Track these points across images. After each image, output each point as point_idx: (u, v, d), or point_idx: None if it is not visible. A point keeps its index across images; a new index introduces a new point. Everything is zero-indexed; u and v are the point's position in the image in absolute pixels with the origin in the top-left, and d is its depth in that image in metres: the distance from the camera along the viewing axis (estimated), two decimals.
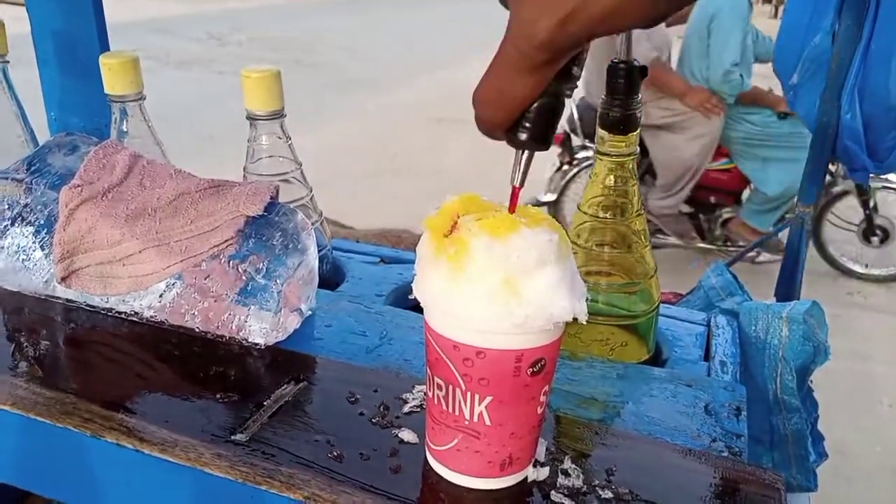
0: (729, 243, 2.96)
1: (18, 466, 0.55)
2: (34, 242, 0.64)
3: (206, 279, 0.59)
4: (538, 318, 0.38)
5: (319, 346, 0.61)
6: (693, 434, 0.51)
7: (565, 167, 3.00)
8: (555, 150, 3.02)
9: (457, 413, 0.41)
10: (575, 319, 0.38)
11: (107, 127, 0.73)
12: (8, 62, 0.78)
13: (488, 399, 0.40)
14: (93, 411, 0.51)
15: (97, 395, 0.53)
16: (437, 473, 0.44)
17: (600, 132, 0.58)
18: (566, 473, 0.46)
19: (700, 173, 2.87)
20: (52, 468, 0.54)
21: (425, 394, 0.45)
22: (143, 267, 0.60)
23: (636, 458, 0.48)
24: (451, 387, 0.41)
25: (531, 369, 0.39)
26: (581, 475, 0.45)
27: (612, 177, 0.59)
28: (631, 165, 0.59)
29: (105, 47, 0.87)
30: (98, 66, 0.69)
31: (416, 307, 0.42)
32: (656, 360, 0.65)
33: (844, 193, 2.89)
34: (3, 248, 0.65)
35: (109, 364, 0.58)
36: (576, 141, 2.96)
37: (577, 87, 0.35)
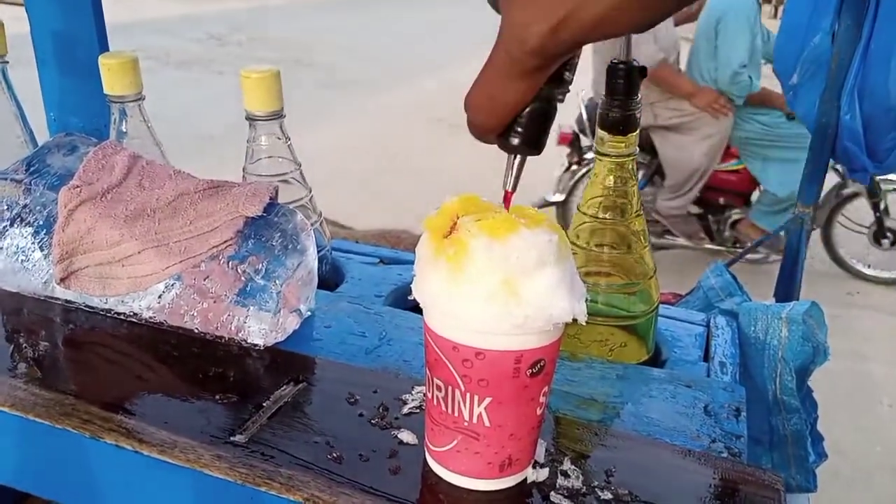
0: (738, 245, 2.95)
1: (17, 468, 0.55)
2: (33, 243, 0.64)
3: (205, 280, 0.59)
4: (537, 319, 0.37)
5: (319, 346, 0.61)
6: (692, 435, 0.51)
7: (574, 167, 2.99)
8: (563, 150, 3.02)
9: (456, 414, 0.41)
10: (574, 320, 0.38)
11: (106, 127, 0.73)
12: (7, 62, 0.78)
13: (488, 400, 0.40)
14: (92, 412, 0.51)
15: (96, 397, 0.53)
16: (436, 474, 0.44)
17: (600, 133, 0.58)
18: (565, 474, 0.46)
19: (709, 174, 2.86)
20: (51, 470, 0.53)
21: (425, 395, 0.45)
22: (143, 268, 0.60)
23: (635, 458, 0.48)
24: (450, 388, 0.41)
25: (530, 370, 0.39)
26: (580, 476, 0.45)
27: (611, 177, 0.59)
28: (630, 166, 0.59)
29: (104, 48, 0.87)
30: (97, 66, 0.69)
31: (416, 308, 0.42)
32: (656, 360, 0.65)
33: (855, 195, 2.87)
34: (2, 248, 0.65)
35: (108, 365, 0.58)
36: (584, 141, 2.95)
37: (569, 91, 0.35)
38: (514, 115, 0.35)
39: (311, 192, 0.72)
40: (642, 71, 0.56)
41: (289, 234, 0.60)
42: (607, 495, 0.44)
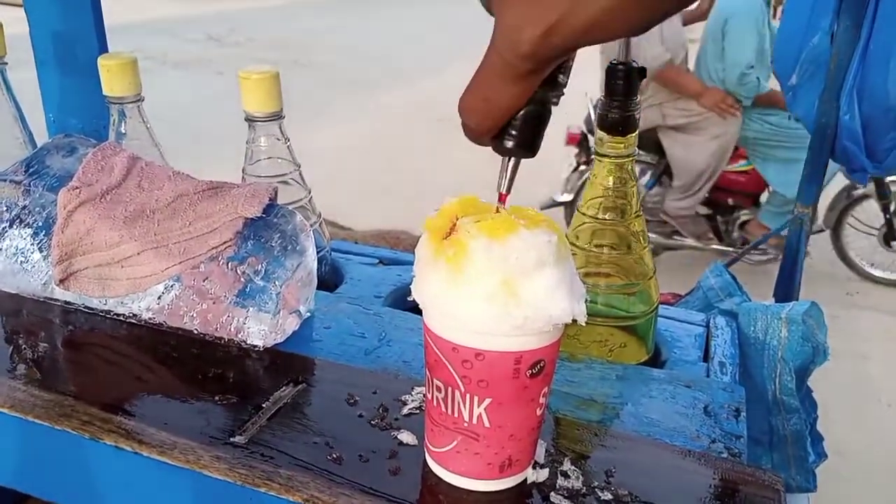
0: (747, 246, 2.94)
1: (17, 469, 0.55)
2: (32, 244, 0.64)
3: (204, 281, 0.59)
4: (537, 320, 0.37)
5: (318, 347, 0.61)
6: (692, 435, 0.51)
7: (582, 167, 2.99)
8: (572, 150, 3.02)
9: (456, 415, 0.41)
10: (574, 321, 0.38)
11: (105, 128, 0.73)
12: (6, 63, 0.78)
13: (487, 401, 0.40)
14: (91, 414, 0.51)
15: (96, 398, 0.52)
16: (436, 475, 0.44)
17: (599, 133, 0.58)
18: (565, 475, 0.46)
19: (717, 175, 2.84)
20: (51, 471, 0.53)
21: (424, 395, 0.45)
22: (142, 269, 0.60)
23: (635, 459, 0.48)
24: (450, 388, 0.41)
25: (530, 371, 0.39)
26: (580, 477, 0.45)
27: (611, 178, 0.59)
28: (630, 167, 0.59)
29: (104, 48, 0.87)
30: (97, 67, 0.69)
31: (415, 309, 0.42)
32: (655, 361, 0.65)
33: (865, 197, 2.86)
34: (1, 250, 0.65)
35: (108, 366, 0.58)
36: (593, 141, 2.94)
37: (564, 94, 0.35)
38: (507, 118, 0.35)
39: (310, 192, 0.72)
40: (641, 72, 0.56)
41: (288, 235, 0.60)
42: (607, 496, 0.44)
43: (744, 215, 2.98)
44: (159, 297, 0.61)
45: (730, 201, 2.97)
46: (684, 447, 0.49)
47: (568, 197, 3.00)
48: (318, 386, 0.55)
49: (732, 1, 2.76)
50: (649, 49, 2.62)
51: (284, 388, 0.54)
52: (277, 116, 0.67)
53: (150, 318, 0.61)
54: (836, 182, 2.76)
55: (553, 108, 0.36)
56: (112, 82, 0.69)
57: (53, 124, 0.91)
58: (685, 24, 2.93)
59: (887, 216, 2.84)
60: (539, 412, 0.42)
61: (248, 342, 0.59)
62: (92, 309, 0.63)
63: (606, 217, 0.59)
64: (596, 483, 0.45)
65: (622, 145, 0.57)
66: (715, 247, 2.97)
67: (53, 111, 0.91)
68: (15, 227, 0.64)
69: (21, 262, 0.64)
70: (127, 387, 0.54)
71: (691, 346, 0.67)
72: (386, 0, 10.05)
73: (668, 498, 0.44)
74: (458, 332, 0.39)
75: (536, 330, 0.38)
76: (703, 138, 2.79)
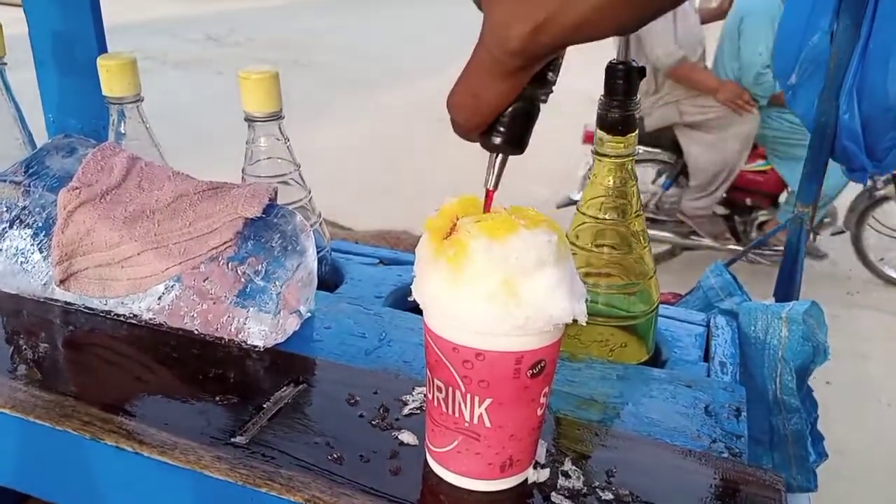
0: (765, 247, 2.89)
1: (17, 469, 0.55)
2: (32, 245, 0.64)
3: (204, 281, 0.59)
4: (538, 320, 0.37)
5: (319, 347, 0.61)
6: (693, 435, 0.51)
7: None
8: (588, 148, 3.00)
9: (457, 415, 0.41)
10: (574, 321, 0.38)
11: (105, 129, 0.72)
12: (6, 64, 0.78)
13: (488, 401, 0.40)
14: (92, 414, 0.51)
15: (96, 398, 0.52)
16: (437, 475, 0.44)
17: (599, 133, 0.58)
18: (566, 475, 0.46)
19: (735, 174, 2.82)
20: (52, 471, 0.53)
21: (425, 396, 0.45)
22: (142, 269, 0.60)
23: (636, 459, 0.48)
24: (450, 389, 0.41)
25: (531, 371, 0.39)
26: (581, 476, 0.45)
27: (611, 178, 0.59)
28: (630, 166, 0.59)
29: (103, 49, 0.87)
30: (96, 67, 0.69)
31: (416, 309, 0.42)
32: (656, 360, 0.65)
33: (885, 199, 2.83)
34: (1, 250, 0.65)
35: (108, 366, 0.58)
36: None
37: (553, 91, 0.35)
38: (496, 115, 0.35)
39: (310, 193, 0.72)
40: (641, 71, 0.56)
41: (288, 236, 0.60)
42: (608, 496, 0.44)
43: (762, 216, 2.94)
44: (160, 298, 0.61)
45: (748, 201, 2.93)
46: (685, 447, 0.49)
47: None
48: (318, 386, 0.55)
49: (749, 0, 2.74)
50: (661, 46, 2.61)
51: (285, 388, 0.54)
52: (277, 116, 0.67)
53: (150, 319, 0.61)
54: (856, 183, 2.74)
55: (550, 107, 0.36)
56: (111, 82, 0.69)
57: (53, 125, 0.91)
58: (703, 22, 2.91)
59: None
60: (540, 412, 0.42)
61: (249, 342, 0.59)
62: (92, 309, 0.63)
63: (607, 217, 0.59)
64: (597, 483, 0.45)
65: (622, 145, 0.57)
66: (732, 247, 2.93)
67: (53, 112, 0.91)
68: (15, 227, 0.64)
69: (21, 262, 0.64)
70: (127, 387, 0.54)
71: (692, 346, 0.67)
72: (386, 0, 10.05)
73: (669, 498, 0.44)
74: (459, 332, 0.39)
75: (537, 330, 0.38)
76: (721, 136, 2.76)
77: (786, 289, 1.23)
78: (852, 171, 1.22)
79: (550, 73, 0.34)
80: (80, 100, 0.88)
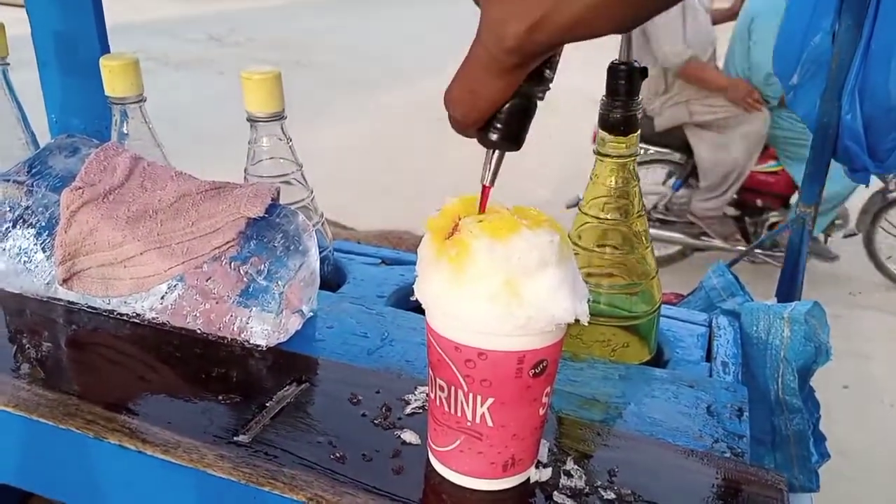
0: (776, 248, 2.86)
1: (21, 468, 0.55)
2: (35, 244, 0.64)
3: (207, 281, 0.59)
4: (540, 320, 0.38)
5: (321, 347, 0.61)
6: (695, 435, 0.51)
7: None
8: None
9: (459, 414, 0.41)
10: (577, 321, 0.39)
11: (107, 129, 0.73)
12: (8, 64, 0.78)
13: (490, 400, 0.40)
14: (95, 413, 0.51)
15: (99, 397, 0.53)
16: (439, 474, 0.44)
17: (601, 133, 0.58)
18: (568, 474, 0.46)
19: (745, 175, 2.79)
20: (55, 470, 0.54)
21: (427, 395, 0.45)
22: (145, 269, 0.60)
23: (638, 458, 0.48)
24: (453, 388, 0.41)
25: (533, 370, 0.40)
26: (583, 476, 0.46)
27: (613, 178, 0.59)
28: (632, 166, 0.59)
29: (105, 49, 0.87)
30: (98, 67, 0.69)
31: (418, 308, 0.43)
32: (658, 360, 0.65)
33: None
34: (4, 250, 0.65)
35: (111, 366, 0.58)
36: None
37: (550, 89, 0.35)
38: (492, 111, 0.35)
39: (312, 192, 0.72)
40: (643, 72, 0.56)
41: (291, 235, 0.60)
42: (610, 495, 0.44)
43: (773, 217, 2.91)
44: (162, 297, 0.61)
45: (759, 202, 2.90)
46: (687, 447, 0.49)
47: None
48: (321, 385, 0.55)
49: (760, 1, 2.73)
50: (670, 45, 2.60)
51: (288, 387, 0.54)
52: (279, 116, 0.68)
53: (153, 318, 0.61)
54: (869, 185, 2.72)
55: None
56: (114, 83, 0.69)
57: (56, 125, 0.91)
58: (716, 22, 2.88)
59: None
60: (542, 411, 0.42)
61: (252, 342, 0.59)
62: (95, 309, 0.64)
63: (609, 217, 0.59)
64: (599, 482, 0.45)
65: (624, 145, 0.57)
66: (742, 248, 2.90)
67: (56, 112, 0.91)
68: (18, 227, 0.65)
69: (24, 262, 0.65)
70: (130, 386, 0.54)
71: (694, 346, 0.67)
72: (386, 0, 10.06)
73: (671, 497, 0.44)
74: (461, 331, 0.39)
75: (539, 330, 0.38)
76: (732, 137, 2.74)
77: (788, 289, 1.23)
78: (854, 172, 1.22)
79: (547, 71, 0.34)
80: (83, 100, 0.88)
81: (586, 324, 0.39)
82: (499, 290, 0.37)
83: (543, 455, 0.47)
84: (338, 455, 0.47)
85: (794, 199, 2.91)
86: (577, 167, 3.09)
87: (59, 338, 0.61)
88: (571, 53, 0.34)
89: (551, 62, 0.34)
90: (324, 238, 0.73)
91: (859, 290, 2.97)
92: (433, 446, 0.45)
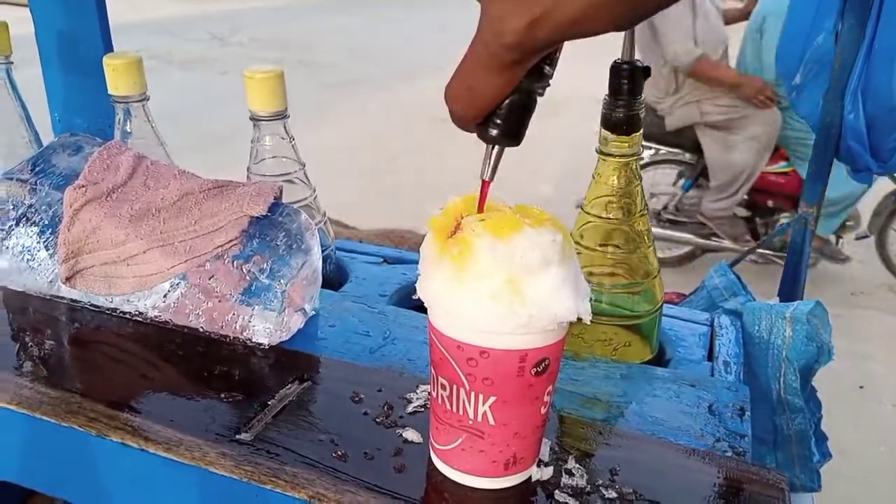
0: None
1: (23, 465, 0.55)
2: (39, 242, 0.64)
3: (210, 279, 0.59)
4: (542, 319, 0.38)
5: (323, 346, 0.61)
6: (697, 434, 0.51)
7: None
8: None
9: (461, 413, 0.41)
10: (579, 319, 0.39)
11: (110, 127, 0.73)
12: (12, 63, 0.78)
13: (492, 399, 0.40)
14: (98, 411, 0.51)
15: (102, 395, 0.53)
16: (441, 473, 0.45)
17: (604, 132, 0.58)
18: (570, 473, 0.46)
19: (756, 176, 2.78)
20: (57, 467, 0.54)
21: (429, 393, 0.45)
22: (148, 267, 0.60)
23: (640, 458, 0.48)
24: (455, 386, 0.41)
25: (535, 369, 0.40)
26: (585, 475, 0.46)
27: (615, 177, 0.59)
28: (634, 166, 0.59)
29: (108, 48, 0.87)
30: (102, 66, 0.69)
31: (420, 307, 0.43)
32: (660, 360, 0.65)
33: None
34: (7, 248, 0.65)
35: (114, 364, 0.58)
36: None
37: (550, 85, 0.35)
38: (492, 107, 0.35)
39: (314, 191, 0.72)
40: (646, 71, 0.56)
41: (293, 234, 0.60)
42: (612, 494, 0.44)
43: (783, 218, 2.88)
44: (165, 296, 0.61)
45: (769, 203, 2.88)
46: (689, 446, 0.49)
47: None
48: (323, 384, 0.55)
49: (772, 1, 2.72)
50: (679, 44, 2.59)
51: (290, 385, 0.54)
52: (282, 115, 0.68)
53: (155, 316, 0.62)
54: (881, 187, 2.70)
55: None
56: (117, 81, 0.69)
57: (59, 123, 0.91)
58: (728, 22, 2.87)
59: None
60: (543, 410, 0.42)
61: (254, 340, 0.59)
62: (98, 307, 0.64)
63: (611, 216, 0.59)
64: (600, 481, 0.45)
65: (626, 144, 0.57)
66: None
67: (59, 110, 0.91)
68: (21, 225, 0.65)
69: (27, 260, 0.65)
70: (133, 384, 0.55)
71: (695, 346, 0.67)
72: (387, 0, 10.06)
73: (673, 496, 0.44)
74: (463, 330, 0.39)
75: (541, 328, 0.38)
76: (742, 137, 2.73)
77: (790, 289, 1.23)
78: (857, 172, 1.22)
79: (547, 67, 0.35)
80: (86, 98, 0.88)
81: (588, 323, 0.39)
82: (501, 289, 0.37)
83: (545, 454, 0.47)
84: (339, 453, 0.47)
85: None
86: (579, 166, 3.09)
87: (62, 336, 0.61)
88: (574, 52, 0.34)
89: (551, 59, 0.34)
90: (326, 237, 0.73)
91: (861, 291, 2.96)
92: (435, 445, 0.45)
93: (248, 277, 0.59)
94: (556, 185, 3.53)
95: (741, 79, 2.70)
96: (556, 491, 0.44)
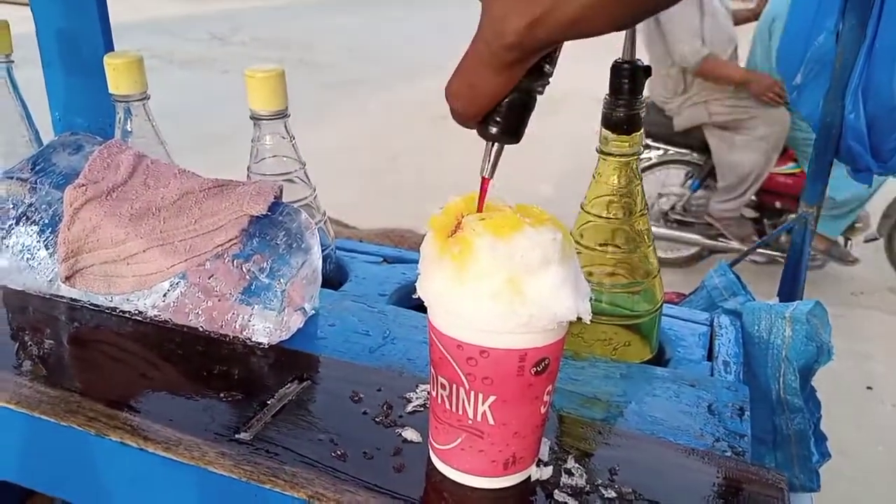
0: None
1: (22, 465, 0.55)
2: (39, 241, 0.64)
3: (209, 278, 0.59)
4: (542, 318, 0.38)
5: (323, 345, 0.61)
6: (696, 434, 0.51)
7: None
8: None
9: (460, 412, 0.41)
10: (579, 319, 0.39)
11: (111, 126, 0.73)
12: (13, 62, 0.78)
13: (492, 398, 0.40)
14: (97, 410, 0.51)
15: (101, 394, 0.53)
16: (440, 472, 0.45)
17: (604, 132, 0.58)
18: (569, 473, 0.46)
19: (764, 176, 2.77)
20: (57, 467, 0.54)
21: (429, 393, 0.45)
22: (147, 266, 0.60)
23: (639, 457, 0.48)
24: (454, 386, 0.41)
25: (535, 369, 0.40)
26: (584, 474, 0.46)
27: (616, 177, 0.59)
28: (635, 165, 0.59)
29: (109, 47, 0.87)
30: (102, 65, 0.69)
31: (420, 307, 0.43)
32: (659, 359, 0.65)
33: None
34: (7, 247, 0.65)
35: (113, 363, 0.58)
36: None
37: (549, 83, 0.36)
38: (492, 105, 0.35)
39: (314, 190, 0.72)
40: (647, 70, 0.56)
41: (293, 233, 0.60)
42: (611, 493, 0.44)
43: (791, 219, 2.90)
44: (165, 295, 0.61)
45: (777, 204, 2.87)
46: (688, 446, 0.49)
47: None
48: (322, 383, 0.55)
49: (781, 1, 2.71)
50: (687, 44, 2.59)
51: (289, 385, 0.54)
52: (282, 114, 0.68)
53: (155, 316, 0.62)
54: (891, 189, 2.69)
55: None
56: (118, 80, 0.69)
57: (59, 122, 0.91)
58: (738, 23, 2.86)
59: None
60: (543, 410, 0.42)
61: (253, 339, 0.59)
62: (97, 306, 0.64)
63: (611, 216, 0.59)
64: (600, 481, 0.45)
65: (627, 144, 0.57)
66: (760, 251, 2.86)
67: (59, 109, 0.91)
68: (21, 224, 0.65)
69: (27, 259, 0.65)
70: (132, 383, 0.55)
71: (695, 345, 0.67)
72: (387, 0, 10.05)
73: (672, 496, 0.44)
74: (463, 329, 0.39)
75: (541, 328, 0.38)
76: (751, 138, 2.71)
77: (790, 288, 1.23)
78: (857, 172, 1.22)
79: (547, 66, 0.35)
80: (87, 98, 0.88)
81: (588, 322, 0.39)
82: (501, 288, 0.37)
83: (544, 453, 0.47)
84: (339, 453, 0.47)
85: None
86: (579, 165, 3.08)
87: (62, 335, 0.61)
88: (573, 51, 0.34)
89: (551, 57, 0.35)
90: (326, 236, 0.73)
91: (861, 291, 2.96)
92: (434, 444, 0.45)
93: (247, 276, 0.59)
94: (556, 184, 3.53)
95: (749, 75, 2.68)
96: (556, 490, 0.44)
